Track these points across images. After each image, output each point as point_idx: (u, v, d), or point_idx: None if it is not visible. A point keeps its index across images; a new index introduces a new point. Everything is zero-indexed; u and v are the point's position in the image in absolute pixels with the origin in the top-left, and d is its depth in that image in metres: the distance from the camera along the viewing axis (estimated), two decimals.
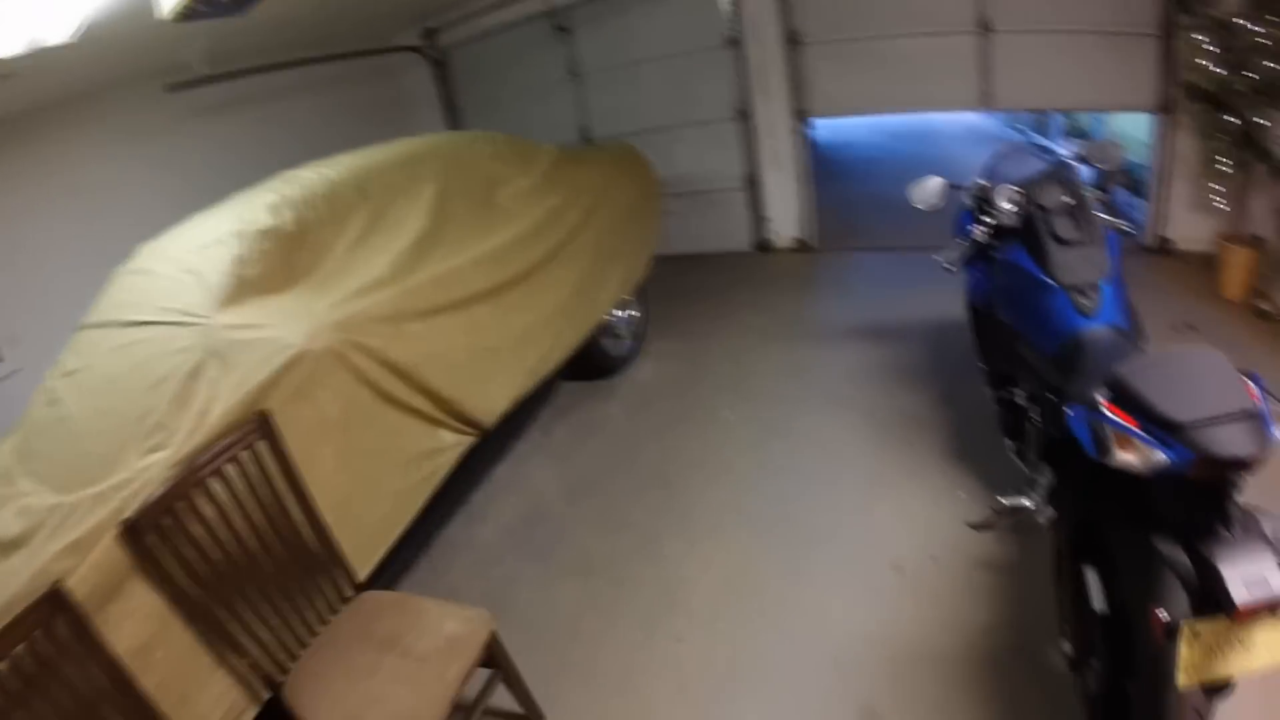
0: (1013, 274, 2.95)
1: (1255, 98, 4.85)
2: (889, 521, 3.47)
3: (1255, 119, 4.88)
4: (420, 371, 2.88)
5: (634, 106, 7.02)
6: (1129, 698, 1.99)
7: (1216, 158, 5.20)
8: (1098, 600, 2.12)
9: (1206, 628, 1.64)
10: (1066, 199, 2.85)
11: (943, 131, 10.64)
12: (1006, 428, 3.26)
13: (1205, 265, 5.50)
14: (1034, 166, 3.24)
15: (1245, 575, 1.59)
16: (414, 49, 7.46)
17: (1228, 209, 5.49)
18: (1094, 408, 1.95)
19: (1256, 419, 1.70)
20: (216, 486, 2.10)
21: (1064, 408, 2.19)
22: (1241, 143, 5.04)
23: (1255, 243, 5.37)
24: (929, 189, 3.33)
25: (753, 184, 7.01)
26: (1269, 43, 4.73)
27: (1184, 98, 5.50)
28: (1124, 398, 1.87)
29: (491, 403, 3.34)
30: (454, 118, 7.80)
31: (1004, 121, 10.78)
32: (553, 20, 6.98)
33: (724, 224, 7.17)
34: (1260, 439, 1.66)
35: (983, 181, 3.27)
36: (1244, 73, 4.84)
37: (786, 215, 7.09)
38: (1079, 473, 2.26)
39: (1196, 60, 5.08)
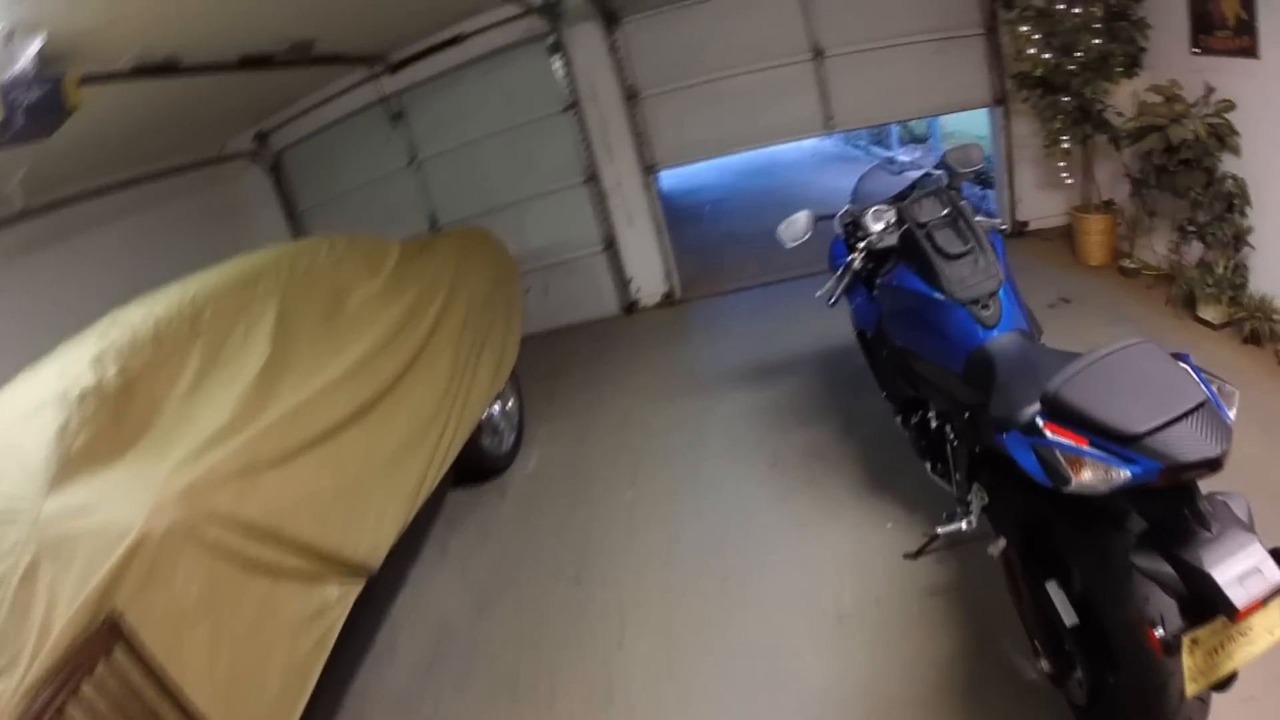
0: (903, 297, 2.85)
1: (1087, 74, 5.17)
2: (822, 569, 3.33)
3: (1089, 94, 5.19)
4: (287, 527, 2.52)
5: (480, 185, 6.83)
6: (1119, 698, 1.93)
7: (1059, 137, 5.49)
8: (1066, 613, 2.03)
9: (1206, 633, 1.57)
10: (943, 211, 2.77)
11: (784, 160, 10.98)
12: (921, 451, 3.18)
13: (1064, 239, 5.83)
14: (898, 183, 3.19)
15: (1238, 573, 1.50)
16: (247, 155, 7.05)
17: (1076, 182, 5.85)
18: (1033, 431, 1.81)
19: (1212, 410, 1.60)
20: (76, 713, 1.73)
21: (1000, 435, 2.05)
22: (1080, 118, 5.37)
23: (1108, 207, 5.69)
24: (797, 225, 3.18)
25: (611, 246, 6.92)
26: (1091, 21, 5.06)
27: (1017, 88, 5.83)
28: (1066, 415, 1.72)
29: (374, 541, 2.99)
30: (296, 221, 7.39)
31: (842, 140, 11.21)
32: (385, 107, 6.74)
33: (588, 291, 7.03)
34: (1224, 431, 1.56)
35: (852, 207, 3.18)
36: (1074, 53, 5.16)
37: (649, 272, 7.04)
38: (1016, 489, 2.17)
39: (1026, 50, 5.37)
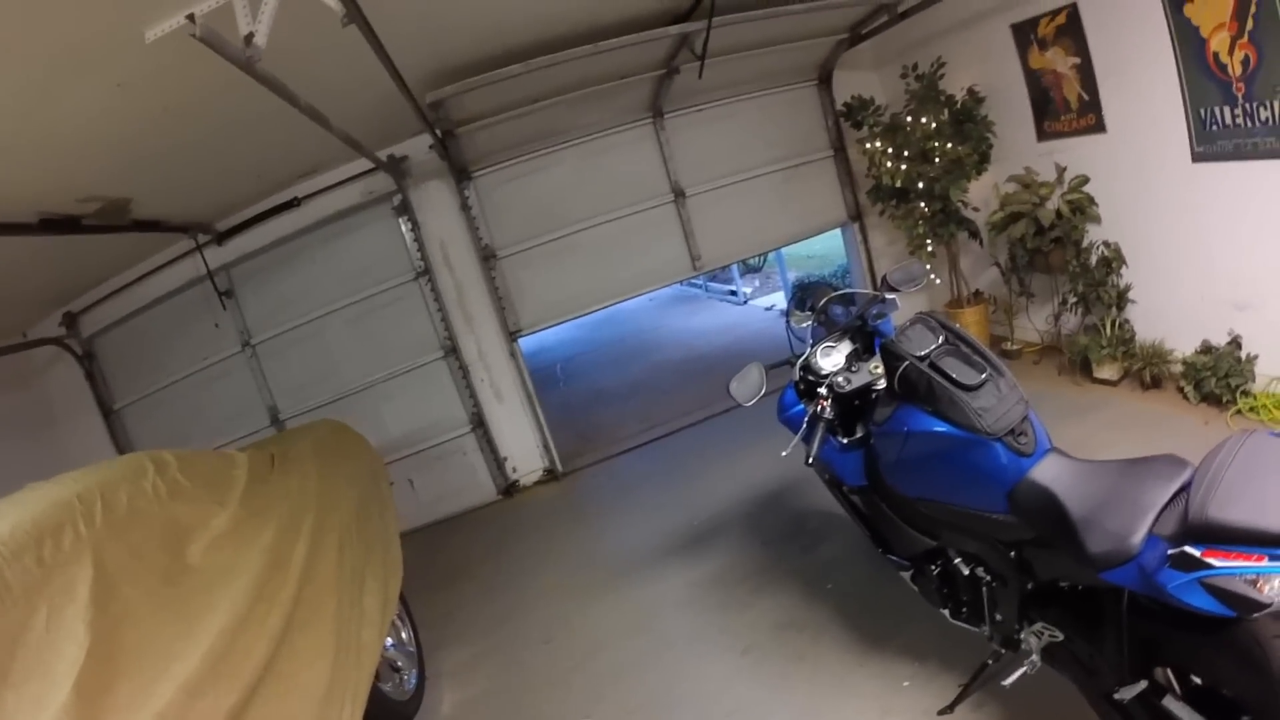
0: (917, 443, 2.50)
1: (946, 177, 5.39)
2: None
3: (954, 195, 5.43)
4: None
5: (326, 369, 5.91)
6: None
7: (924, 240, 5.71)
8: None
9: None
10: (939, 338, 2.51)
11: (625, 307, 10.81)
12: (942, 599, 2.82)
13: None
14: (841, 315, 3.01)
15: None
16: (53, 341, 5.69)
17: (943, 280, 6.09)
18: (1192, 564, 1.66)
19: None
20: None
21: (1108, 572, 1.91)
22: (943, 220, 5.61)
23: (978, 298, 6.06)
24: (750, 381, 2.85)
25: (481, 424, 6.15)
26: (942, 127, 5.35)
27: (872, 201, 6.06)
28: (1227, 537, 1.62)
29: None
30: (113, 424, 5.99)
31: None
32: (212, 284, 5.70)
33: (462, 478, 6.16)
34: None
35: (808, 355, 2.84)
36: (931, 159, 5.37)
37: (525, 447, 6.32)
38: (1120, 617, 2.01)
39: (884, 163, 5.54)
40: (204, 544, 2.60)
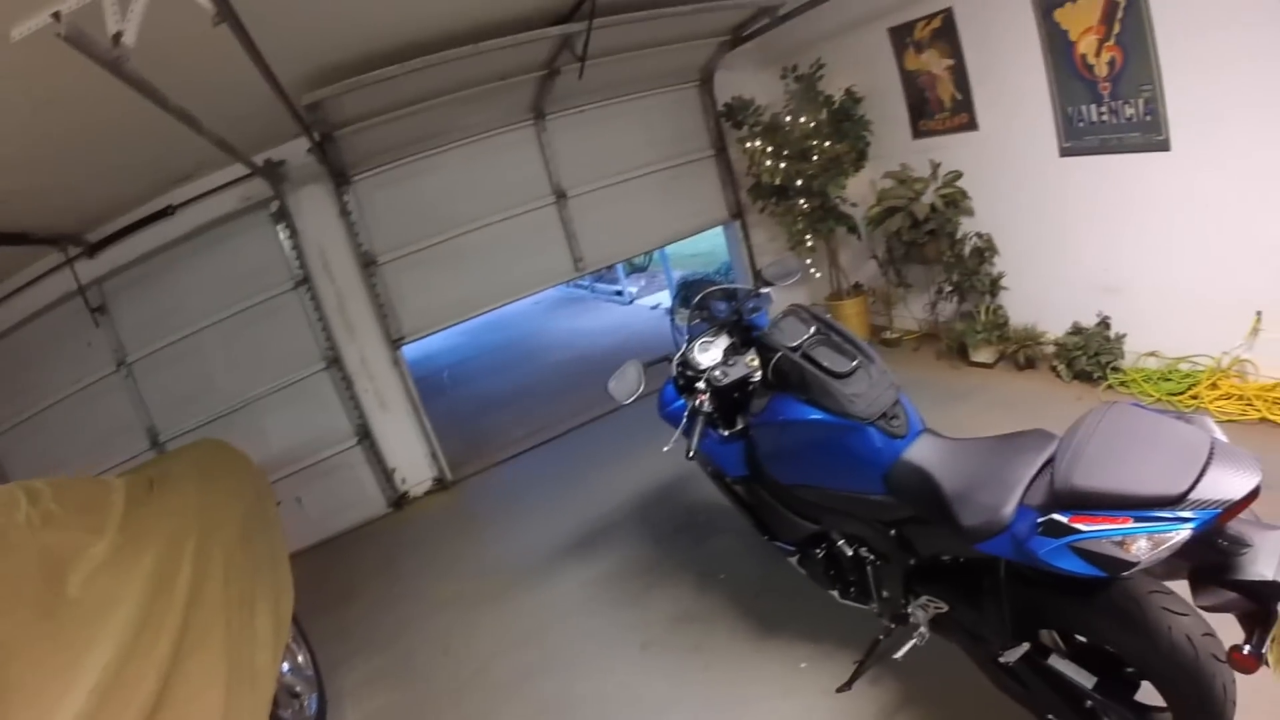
0: (793, 432, 2.60)
1: (824, 175, 5.61)
2: None
3: (832, 192, 5.65)
4: None
5: (206, 387, 5.58)
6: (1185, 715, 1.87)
7: (803, 236, 5.93)
8: (1083, 678, 2.03)
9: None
10: (811, 329, 2.60)
11: (512, 310, 10.74)
12: (830, 581, 2.91)
13: None
14: (722, 310, 3.08)
15: None
16: None
17: (823, 274, 6.33)
18: (1061, 530, 1.74)
19: (1221, 443, 1.66)
20: None
21: (983, 543, 1.98)
22: (822, 216, 5.83)
23: (858, 290, 6.36)
24: (628, 379, 2.92)
25: (367, 436, 5.97)
26: (820, 127, 5.58)
27: (753, 199, 6.25)
28: (1093, 503, 1.70)
29: None
30: None
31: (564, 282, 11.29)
32: (84, 299, 5.27)
33: (349, 492, 5.94)
34: (1249, 459, 1.62)
35: (686, 350, 2.93)
36: (810, 158, 5.58)
37: (412, 458, 6.17)
38: (998, 585, 2.12)
39: (763, 162, 5.72)
40: (83, 574, 2.45)
